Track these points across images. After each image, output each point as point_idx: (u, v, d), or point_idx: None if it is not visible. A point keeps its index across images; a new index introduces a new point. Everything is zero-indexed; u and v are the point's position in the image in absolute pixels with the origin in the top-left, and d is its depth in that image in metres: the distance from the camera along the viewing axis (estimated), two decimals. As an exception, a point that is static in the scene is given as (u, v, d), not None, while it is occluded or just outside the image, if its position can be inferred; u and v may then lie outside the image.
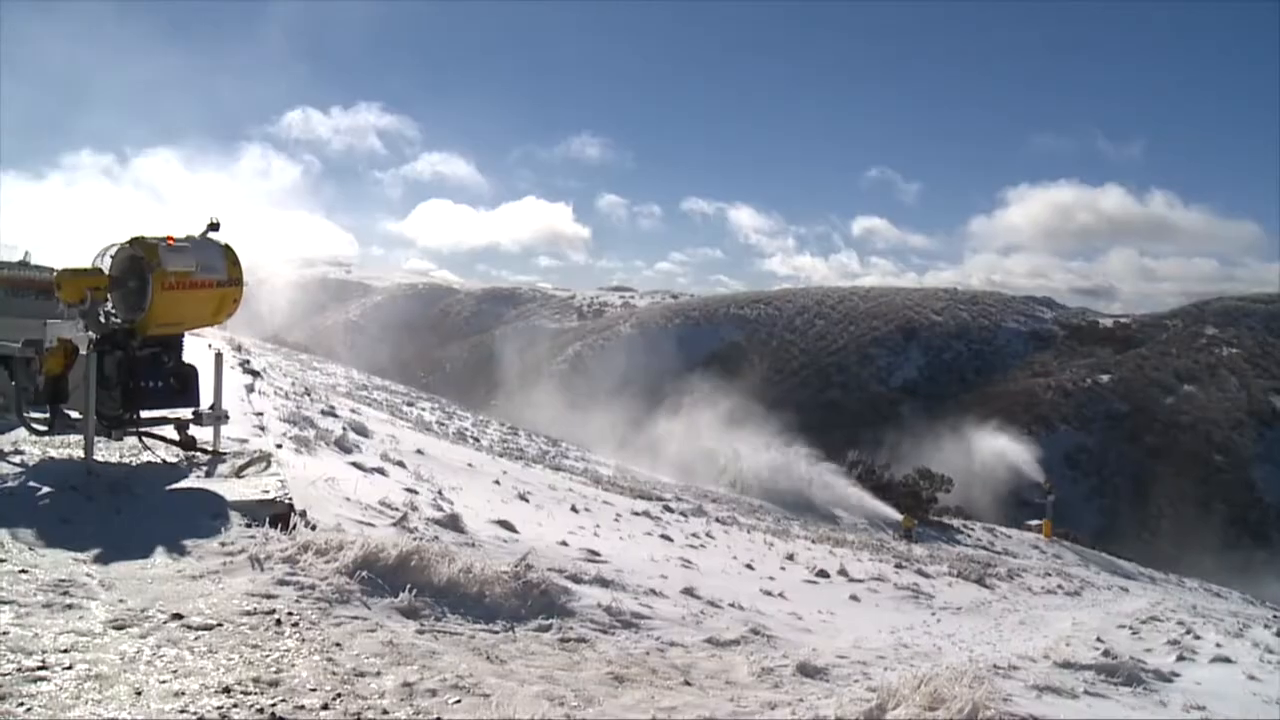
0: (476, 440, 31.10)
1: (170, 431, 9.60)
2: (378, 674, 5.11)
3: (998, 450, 76.94)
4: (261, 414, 14.81)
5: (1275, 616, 29.16)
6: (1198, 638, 15.51)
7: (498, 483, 18.59)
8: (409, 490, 12.75)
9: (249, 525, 7.55)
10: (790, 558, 18.92)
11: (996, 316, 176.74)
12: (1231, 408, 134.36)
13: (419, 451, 19.14)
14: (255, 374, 21.21)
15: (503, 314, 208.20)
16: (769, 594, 12.99)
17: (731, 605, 10.61)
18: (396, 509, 10.60)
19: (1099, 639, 12.71)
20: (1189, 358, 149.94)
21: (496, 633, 6.73)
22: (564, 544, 12.32)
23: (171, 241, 8.96)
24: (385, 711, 4.61)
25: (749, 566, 16.16)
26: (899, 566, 21.54)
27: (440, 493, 13.69)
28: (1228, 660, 12.84)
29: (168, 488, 8.45)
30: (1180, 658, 12.37)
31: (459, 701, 4.95)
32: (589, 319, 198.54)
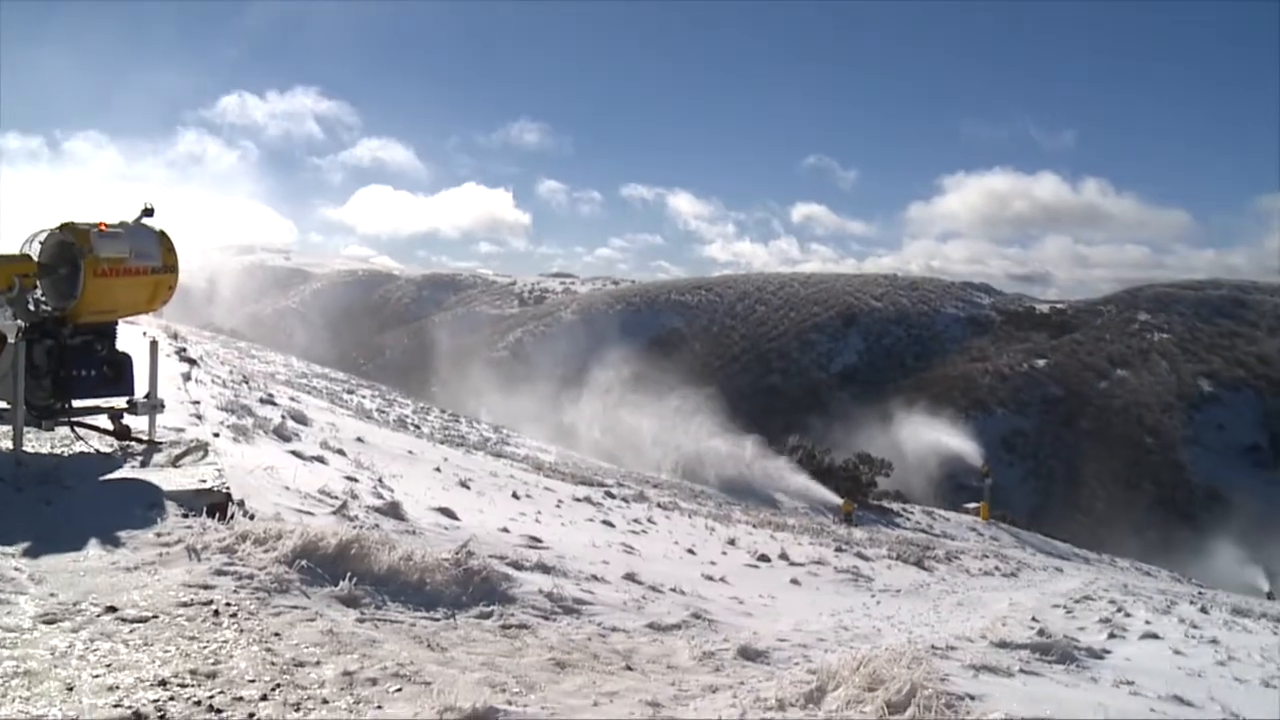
0: (417, 427, 30.89)
1: (104, 421, 9.44)
2: (317, 663, 5.08)
3: (936, 434, 77.78)
4: (198, 402, 14.61)
5: (1200, 593, 29.81)
6: (1128, 615, 15.84)
7: (439, 470, 18.50)
8: (349, 478, 12.65)
9: (186, 515, 7.44)
10: (731, 542, 19.02)
11: (935, 302, 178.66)
12: (1162, 391, 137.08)
13: (359, 439, 18.99)
14: (192, 362, 20.91)
15: (443, 300, 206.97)
16: (710, 579, 13.05)
17: (673, 590, 10.65)
18: (336, 497, 10.52)
19: (1034, 619, 12.92)
20: (1122, 343, 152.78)
21: (437, 620, 6.71)
22: (505, 531, 12.29)
23: (104, 227, 8.79)
24: (325, 701, 4.59)
25: (690, 551, 16.23)
26: (839, 550, 21.72)
27: (381, 480, 13.59)
28: (1156, 636, 13.15)
29: (101, 478, 8.30)
30: (1111, 635, 12.63)
31: (400, 690, 4.93)
32: (530, 305, 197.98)
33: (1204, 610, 19.84)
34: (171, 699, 4.30)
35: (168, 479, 8.36)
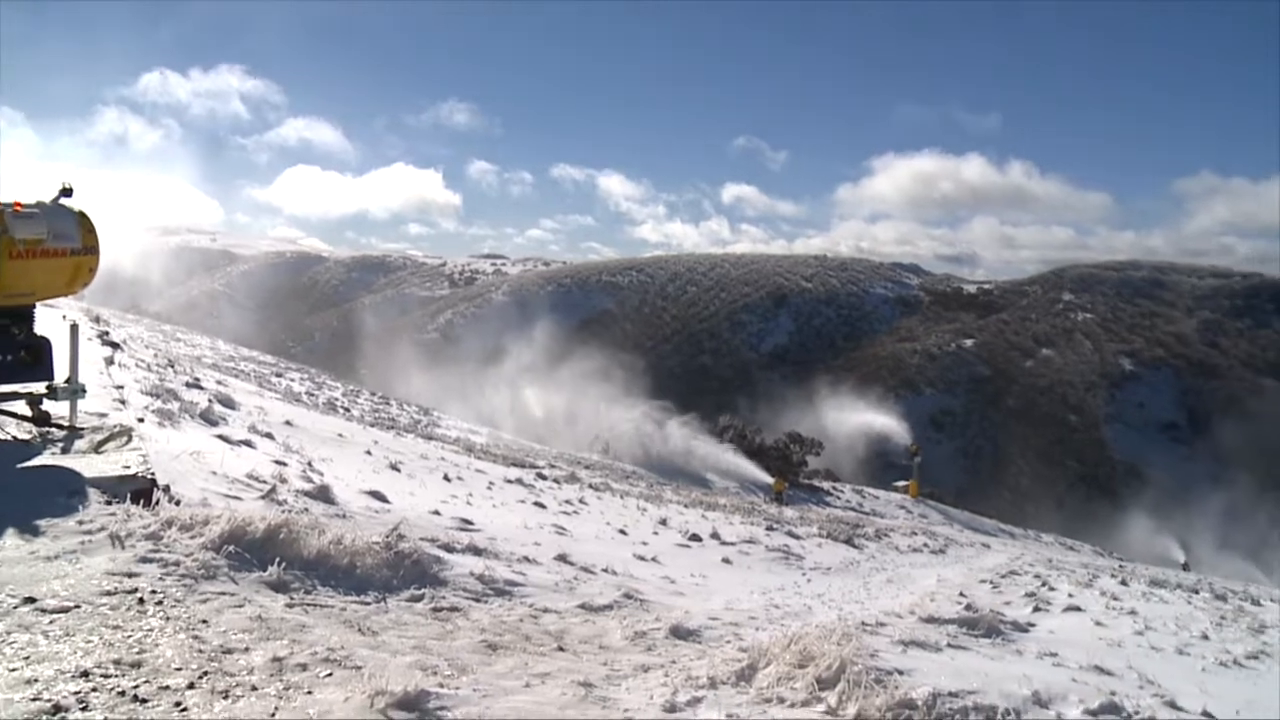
0: (347, 410, 30.63)
1: (21, 407, 9.23)
2: (246, 650, 5.02)
3: (865, 414, 78.61)
4: (122, 387, 14.34)
5: (1121, 566, 30.46)
6: (1052, 589, 16.13)
7: (369, 453, 18.35)
8: (278, 462, 12.51)
9: (109, 502, 7.29)
10: (663, 522, 19.07)
11: (864, 283, 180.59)
12: (1086, 370, 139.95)
13: (288, 423, 18.78)
14: (115, 346, 20.52)
15: (373, 282, 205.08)
16: (642, 559, 13.09)
17: (605, 570, 10.68)
18: (265, 481, 10.40)
19: (961, 594, 13.12)
20: (1047, 323, 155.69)
21: (368, 604, 6.67)
22: (436, 513, 12.24)
23: (19, 207, 8.56)
24: (254, 688, 4.53)
25: (622, 532, 16.26)
26: (770, 529, 21.87)
27: (310, 464, 13.46)
28: (1078, 609, 13.41)
29: (19, 465, 8.13)
30: (1036, 609, 12.86)
31: (330, 675, 4.90)
32: (460, 287, 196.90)
33: (1124, 583, 20.26)
34: (94, 690, 4.22)
35: (90, 465, 8.20)
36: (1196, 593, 20.92)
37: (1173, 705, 7.00)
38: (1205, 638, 12.15)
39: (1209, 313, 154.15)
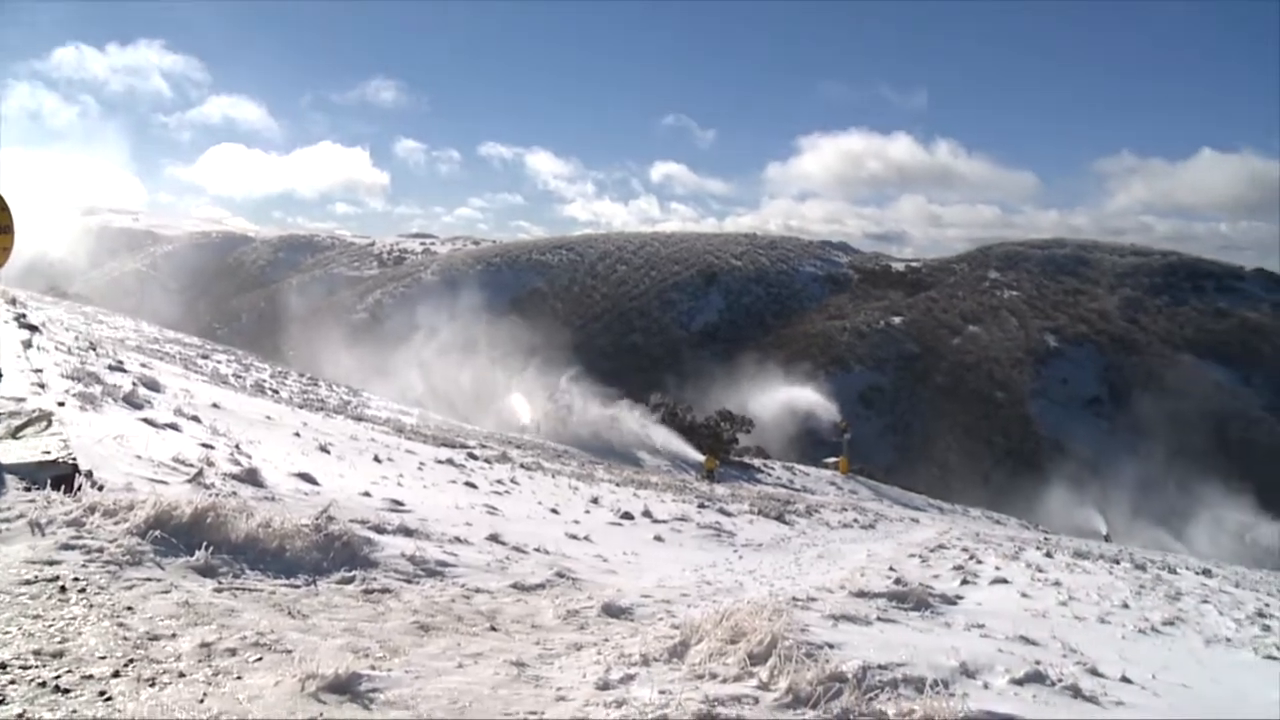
0: (275, 392, 30.28)
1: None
2: (173, 636, 4.95)
3: (796, 391, 79.11)
4: (41, 371, 14.06)
5: (1046, 539, 31.06)
6: (979, 562, 16.40)
7: (298, 435, 18.18)
8: (205, 445, 12.34)
9: (28, 489, 7.14)
10: (595, 501, 19.11)
11: (794, 261, 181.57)
12: (1012, 347, 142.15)
13: (215, 405, 18.54)
14: (33, 328, 20.12)
15: (300, 262, 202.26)
16: (574, 537, 13.10)
17: (537, 550, 10.67)
18: (191, 465, 10.25)
19: (891, 568, 13.29)
20: (974, 300, 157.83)
21: (298, 587, 6.62)
22: (367, 494, 12.15)
23: None
24: (182, 674, 4.48)
25: (554, 511, 16.27)
26: (701, 506, 21.99)
27: (238, 447, 13.30)
28: (1005, 581, 13.64)
29: (-65, 452, 7.94)
30: (964, 582, 13.06)
31: (260, 659, 4.86)
32: (389, 266, 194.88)
33: (1048, 555, 20.65)
34: (12, 682, 4.13)
35: (7, 451, 8.02)
36: (1117, 563, 21.39)
37: (1094, 672, 7.15)
38: (1125, 606, 12.43)
39: (1130, 290, 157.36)
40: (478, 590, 7.76)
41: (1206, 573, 22.76)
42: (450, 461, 20.99)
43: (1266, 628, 12.06)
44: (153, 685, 4.31)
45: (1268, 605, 15.54)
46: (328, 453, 16.71)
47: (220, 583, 6.22)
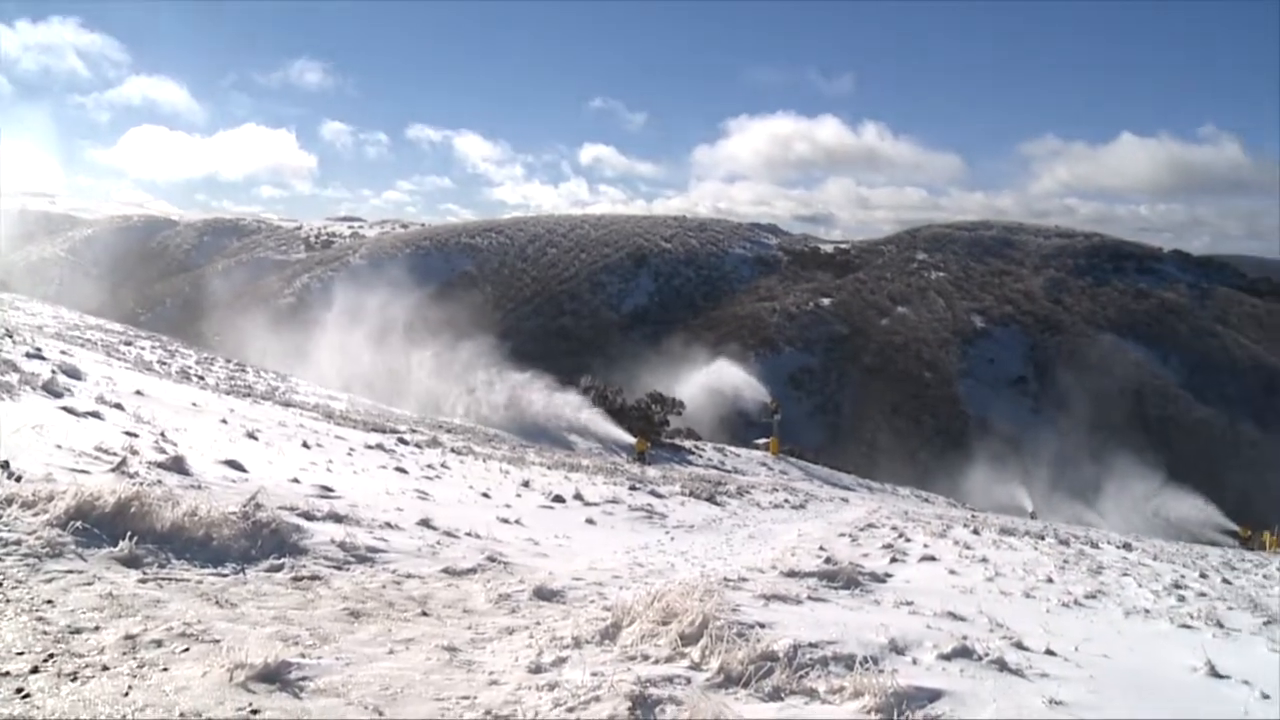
0: (201, 379, 29.82)
1: None
2: (96, 629, 4.87)
3: (726, 373, 79.44)
4: (-46, 359, 13.74)
5: (973, 516, 31.54)
6: (908, 540, 16.62)
7: (225, 421, 17.92)
8: (128, 434, 12.12)
9: (-57, 480, 7.00)
10: (526, 484, 19.08)
11: (724, 243, 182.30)
12: (939, 328, 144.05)
13: (139, 392, 18.21)
14: (-54, 315, 19.64)
15: (226, 246, 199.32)
16: (505, 521, 13.07)
17: (468, 534, 10.63)
18: (115, 454, 10.07)
19: (821, 548, 13.43)
20: (902, 281, 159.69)
21: (226, 576, 6.55)
22: (296, 481, 12.02)
23: None
24: (105, 668, 4.41)
25: (485, 495, 16.21)
26: (633, 488, 22.04)
27: (163, 434, 13.08)
28: (933, 558, 13.87)
29: None
30: (893, 559, 13.25)
31: (187, 650, 4.80)
32: (317, 250, 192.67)
33: (976, 532, 20.99)
34: (-75, 681, 4.05)
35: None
36: (1042, 539, 21.80)
37: (1020, 646, 7.29)
38: (1050, 581, 12.68)
39: (1054, 271, 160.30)
40: (409, 575, 7.73)
41: (1127, 546, 23.27)
42: (380, 447, 20.82)
43: (1182, 598, 12.39)
44: (74, 680, 4.23)
45: (1183, 577, 15.94)
46: (256, 439, 16.50)
47: (145, 573, 6.13)
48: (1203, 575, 17.12)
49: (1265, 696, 6.74)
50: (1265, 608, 12.40)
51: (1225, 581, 16.51)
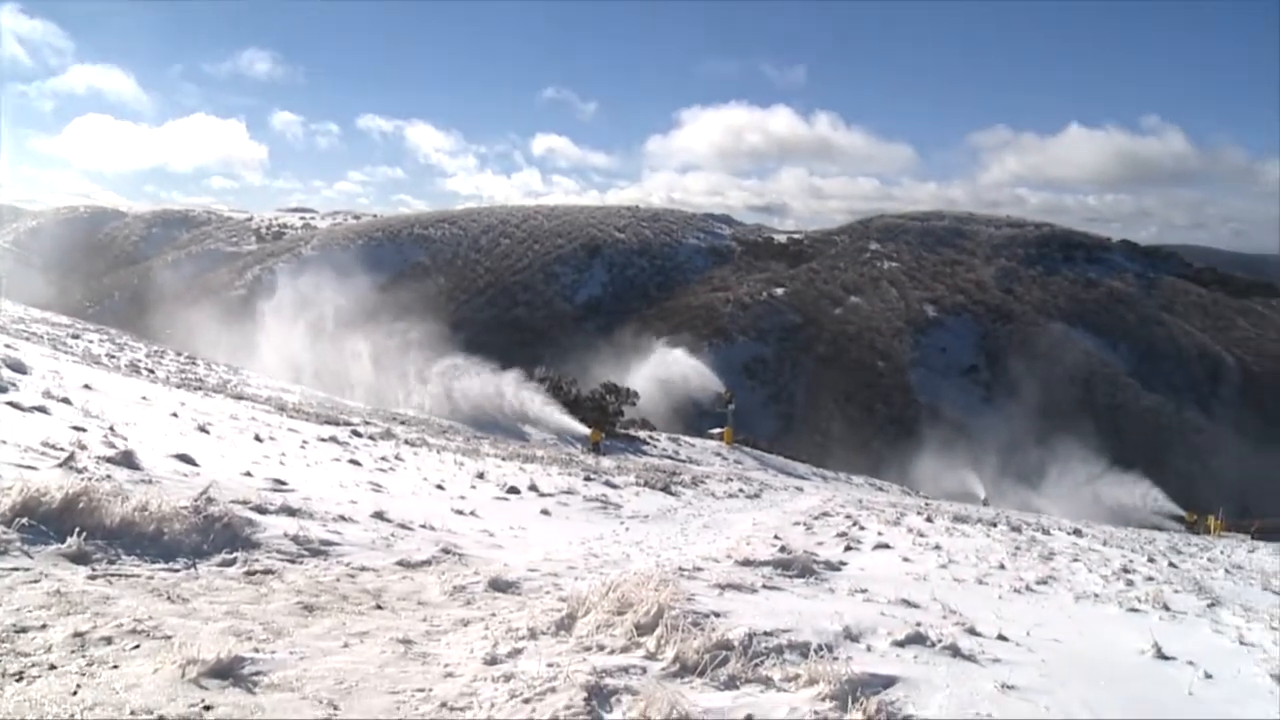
0: (151, 372, 29.49)
1: None
2: (43, 627, 4.81)
3: (680, 363, 79.50)
4: (-105, 353, 13.51)
5: (926, 504, 31.81)
6: (862, 529, 16.75)
7: (175, 415, 17.72)
8: (76, 428, 11.96)
9: (-116, 477, 6.88)
10: (480, 476, 19.01)
11: (677, 234, 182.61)
12: (892, 317, 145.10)
13: (87, 386, 17.96)
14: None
15: (176, 238, 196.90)
16: (460, 513, 13.03)
17: (423, 526, 10.60)
18: (62, 449, 9.92)
19: (776, 537, 13.50)
20: (855, 271, 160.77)
21: (177, 571, 6.48)
22: (248, 474, 11.92)
23: None
24: (53, 666, 4.35)
25: (439, 487, 16.15)
26: (588, 479, 22.03)
27: (112, 429, 12.91)
28: (887, 546, 13.99)
29: None
30: (848, 548, 13.34)
31: (138, 646, 4.75)
32: (268, 241, 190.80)
33: (929, 519, 21.16)
34: None
35: None
36: (995, 526, 22.02)
37: (972, 631, 7.37)
38: (1002, 567, 12.83)
39: (1005, 261, 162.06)
40: (363, 568, 7.70)
41: (1077, 533, 23.55)
42: (334, 439, 20.69)
43: (1130, 582, 12.60)
44: (20, 680, 4.18)
45: (1132, 562, 16.19)
46: (207, 433, 16.34)
47: (94, 569, 6.06)
48: (1150, 560, 17.40)
49: (1208, 676, 6.90)
50: (1209, 590, 12.66)
51: (1172, 565, 16.80)
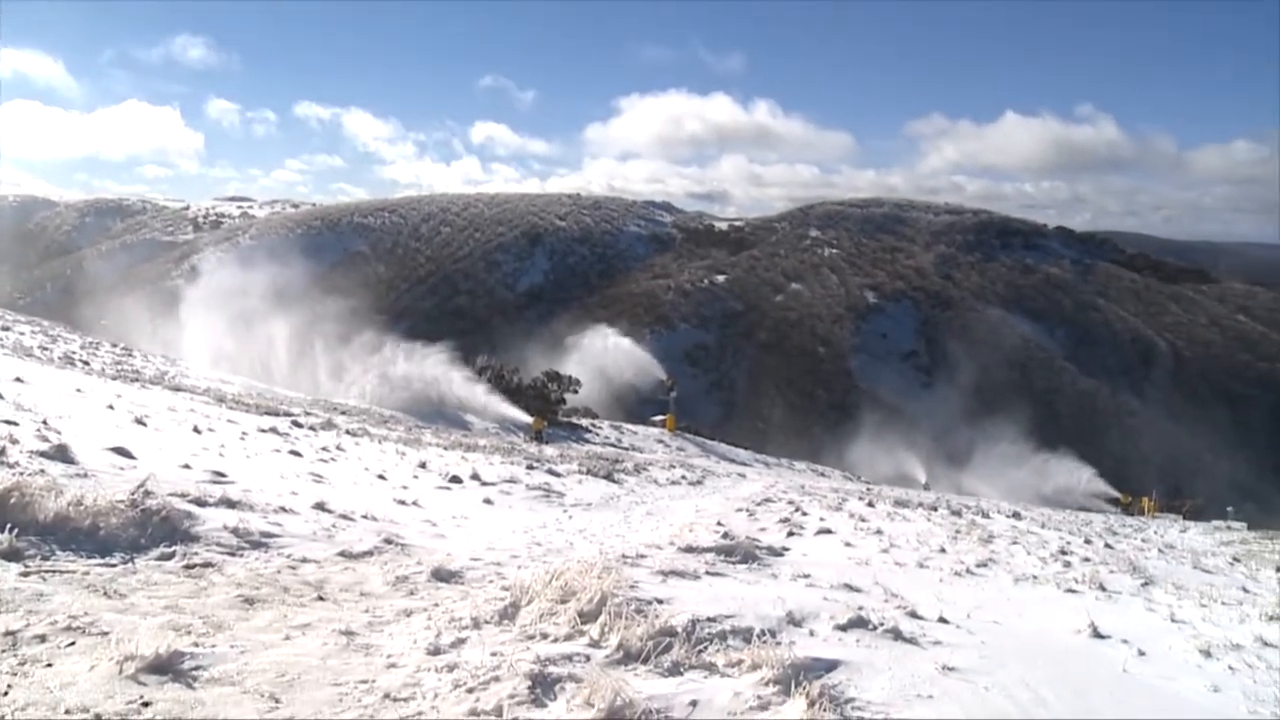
0: (86, 364, 29.03)
1: None
2: (-27, 626, 4.73)
3: (622, 350, 79.60)
4: None
5: (868, 489, 32.09)
6: (805, 514, 16.87)
7: (112, 408, 17.46)
8: (8, 422, 11.75)
9: None
10: (423, 466, 18.91)
11: (619, 221, 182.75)
12: (833, 303, 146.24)
13: (18, 379, 17.66)
14: None
15: (109, 228, 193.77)
16: (402, 503, 12.97)
17: (365, 517, 10.54)
18: (-8, 443, 9.76)
19: (719, 523, 13.54)
20: (795, 258, 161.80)
21: (114, 566, 6.40)
22: (187, 467, 11.77)
23: None
24: (-15, 665, 4.29)
25: (381, 477, 16.05)
26: (530, 468, 21.98)
27: (45, 422, 12.69)
28: (829, 531, 14.10)
29: None
30: (790, 533, 13.44)
31: (73, 644, 4.69)
32: (206, 231, 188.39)
33: (870, 504, 21.36)
34: None
35: None
36: (935, 510, 22.28)
37: (914, 615, 7.47)
38: (943, 551, 13.00)
39: (944, 247, 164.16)
40: (304, 560, 7.64)
41: (1016, 516, 23.90)
42: (274, 430, 20.47)
43: (1067, 564, 12.83)
44: (-50, 679, 4.11)
45: (1069, 543, 16.47)
46: (144, 425, 16.11)
47: (27, 566, 5.97)
48: (1087, 541, 17.71)
49: (1142, 654, 7.09)
50: (1143, 570, 12.93)
51: (1108, 546, 17.11)
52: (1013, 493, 54.07)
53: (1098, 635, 7.59)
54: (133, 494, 7.57)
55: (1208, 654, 7.25)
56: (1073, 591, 10.14)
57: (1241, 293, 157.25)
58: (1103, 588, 10.44)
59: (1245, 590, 11.84)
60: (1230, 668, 6.94)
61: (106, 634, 4.82)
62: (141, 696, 4.19)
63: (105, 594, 5.69)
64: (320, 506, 10.49)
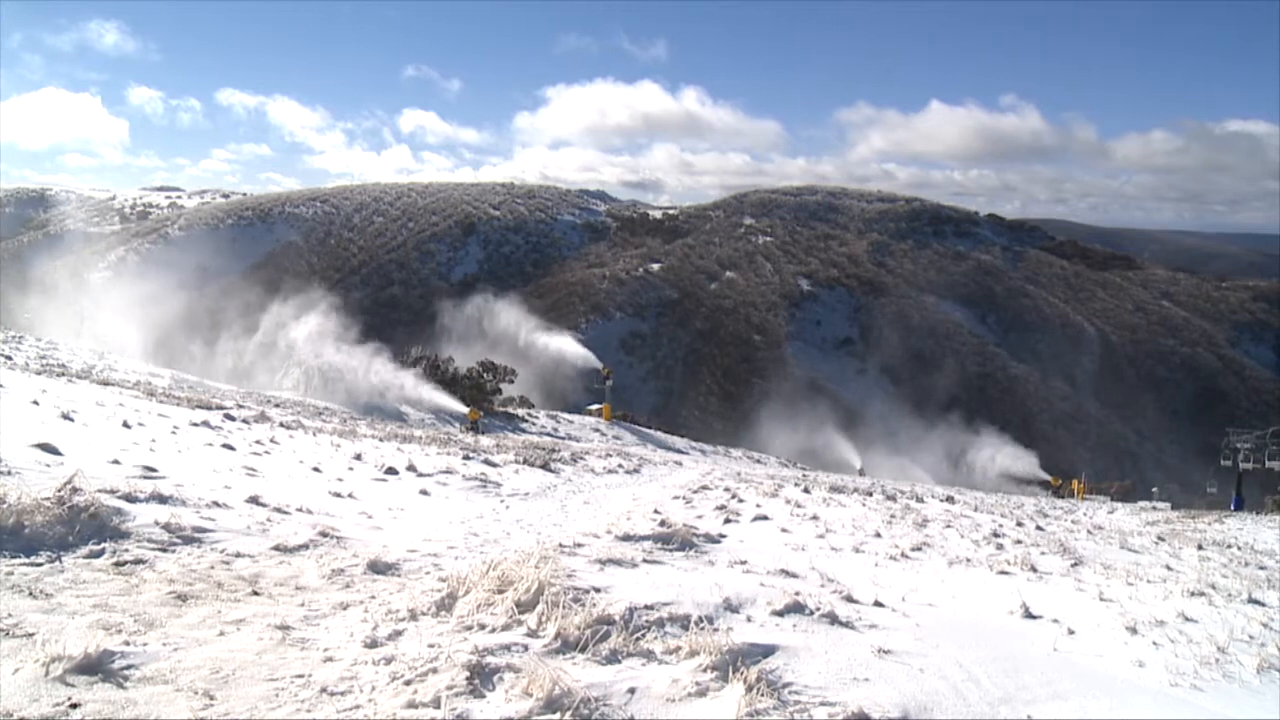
0: (9, 359, 28.48)
1: None
2: (-108, 630, 4.62)
3: (557, 340, 79.49)
4: None
5: (804, 475, 32.34)
6: (741, 501, 16.96)
7: (36, 403, 17.14)
8: (-73, 419, 11.51)
9: None
10: (358, 457, 18.77)
11: (553, 210, 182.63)
12: (767, 291, 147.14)
13: (-63, 376, 17.30)
14: None
15: (30, 219, 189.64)
16: (338, 495, 12.87)
17: (299, 510, 10.44)
18: (-89, 442, 9.54)
19: (656, 511, 13.58)
20: (729, 246, 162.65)
21: (40, 565, 6.28)
22: (116, 463, 11.58)
23: None
24: (-95, 669, 4.19)
25: (316, 470, 15.91)
26: (467, 458, 21.89)
27: (-35, 419, 12.46)
28: (766, 518, 14.20)
29: None
30: (727, 520, 13.52)
31: (-3, 645, 4.59)
32: (133, 222, 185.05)
33: (806, 490, 21.51)
34: None
35: None
36: (870, 495, 22.49)
37: (850, 599, 7.55)
38: (878, 536, 13.15)
39: (877, 235, 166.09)
40: (238, 554, 7.55)
41: (950, 500, 24.20)
42: (206, 424, 20.21)
43: (1000, 546, 13.03)
44: None
45: (1001, 526, 16.71)
46: (71, 420, 15.84)
47: (-51, 566, 5.84)
48: (1019, 524, 17.98)
49: (1071, 632, 7.27)
50: (1073, 551, 13.19)
51: (1039, 529, 17.38)
52: (947, 476, 54.79)
53: (1029, 615, 7.76)
54: (59, 491, 7.44)
55: (1134, 630, 7.44)
56: (1005, 573, 10.32)
57: (1165, 279, 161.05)
58: (1034, 569, 10.64)
59: (1169, 568, 12.10)
60: (1154, 643, 7.14)
61: (32, 635, 4.74)
62: (70, 698, 4.12)
63: (30, 594, 5.58)
64: (254, 500, 10.37)
